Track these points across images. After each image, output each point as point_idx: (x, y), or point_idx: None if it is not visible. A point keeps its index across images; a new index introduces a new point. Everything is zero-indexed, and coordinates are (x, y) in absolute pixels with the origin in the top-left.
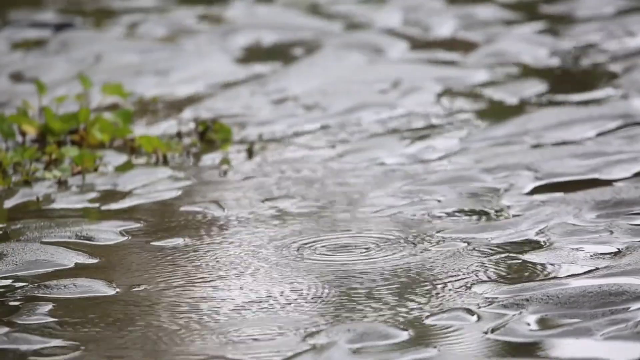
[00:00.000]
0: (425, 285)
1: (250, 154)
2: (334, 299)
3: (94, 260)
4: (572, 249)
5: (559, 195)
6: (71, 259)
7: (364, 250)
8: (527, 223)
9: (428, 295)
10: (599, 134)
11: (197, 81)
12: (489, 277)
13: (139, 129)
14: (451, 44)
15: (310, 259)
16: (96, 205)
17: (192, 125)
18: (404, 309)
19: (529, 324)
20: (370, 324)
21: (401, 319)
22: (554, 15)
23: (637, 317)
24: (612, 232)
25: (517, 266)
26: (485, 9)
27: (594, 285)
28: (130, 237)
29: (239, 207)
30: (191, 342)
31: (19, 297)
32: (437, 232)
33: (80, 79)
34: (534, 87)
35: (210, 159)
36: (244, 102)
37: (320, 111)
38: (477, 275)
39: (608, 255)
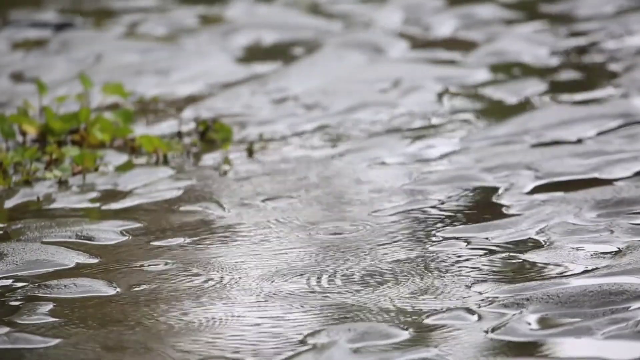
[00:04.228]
0: (426, 285)
1: (250, 153)
2: (334, 298)
3: (95, 260)
4: (573, 248)
5: (559, 194)
6: (72, 258)
7: (364, 250)
8: (527, 222)
9: (428, 295)
10: (600, 133)
11: (197, 81)
12: (489, 277)
13: (140, 129)
14: (451, 44)
15: (310, 259)
16: (97, 205)
17: (192, 125)
18: (404, 309)
19: (529, 324)
20: (371, 323)
21: (402, 319)
22: (554, 15)
23: (638, 316)
24: (612, 232)
25: (517, 265)
26: (486, 8)
27: (594, 284)
28: (130, 237)
29: (239, 206)
30: (191, 342)
31: (19, 297)
32: (437, 231)
33: (81, 79)
34: (534, 87)
35: (211, 158)
36: (244, 101)
37: (320, 111)
38: (477, 275)
39: (608, 255)
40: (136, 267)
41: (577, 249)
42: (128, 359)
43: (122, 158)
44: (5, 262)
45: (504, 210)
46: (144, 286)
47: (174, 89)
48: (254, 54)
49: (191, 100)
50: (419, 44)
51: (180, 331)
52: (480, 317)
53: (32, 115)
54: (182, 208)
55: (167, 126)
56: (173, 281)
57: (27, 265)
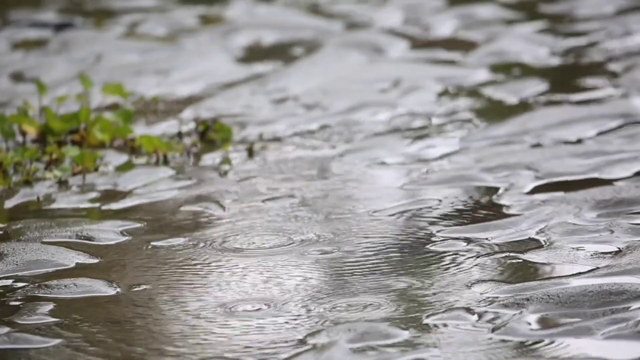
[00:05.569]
0: (426, 285)
1: (250, 153)
2: (334, 298)
3: (95, 260)
4: (573, 248)
5: (559, 194)
6: (72, 258)
7: (365, 250)
8: (527, 222)
9: (428, 295)
10: (600, 133)
11: (197, 81)
12: (489, 277)
13: (140, 129)
14: (451, 44)
15: (310, 260)
16: (97, 205)
17: (192, 125)
18: (404, 309)
19: (529, 323)
20: (371, 323)
21: (402, 319)
22: (554, 15)
23: (638, 316)
24: (612, 232)
25: (517, 265)
26: (486, 8)
27: (594, 284)
28: (130, 237)
29: (240, 207)
30: (191, 342)
31: (19, 297)
32: (437, 231)
33: (81, 79)
34: (535, 87)
35: (211, 158)
36: (244, 101)
37: (320, 111)
38: (477, 275)
39: (608, 255)
40: (136, 267)
41: (577, 249)
42: (128, 359)
43: (122, 158)
44: (5, 262)
45: (504, 210)
46: (144, 286)
47: (174, 89)
48: (254, 54)
49: (191, 100)
50: (419, 44)
51: (180, 331)
52: (480, 317)
53: (32, 115)
54: (182, 208)
55: (167, 126)
56: (173, 281)
57: (27, 265)
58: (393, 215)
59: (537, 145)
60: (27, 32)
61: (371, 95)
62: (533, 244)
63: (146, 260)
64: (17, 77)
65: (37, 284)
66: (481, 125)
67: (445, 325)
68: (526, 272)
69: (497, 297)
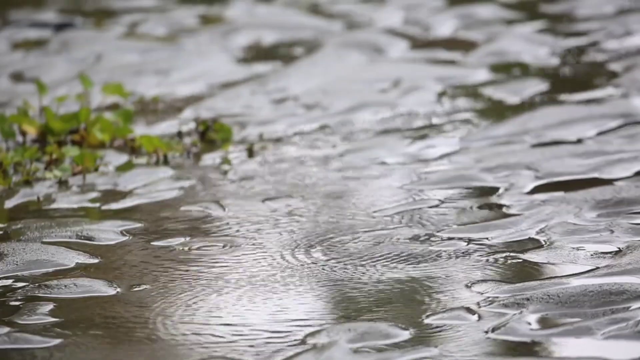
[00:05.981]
0: (426, 285)
1: (250, 153)
2: (334, 298)
3: (95, 260)
4: (573, 248)
5: (559, 194)
6: (72, 258)
7: (365, 250)
8: (527, 222)
9: (428, 295)
10: (600, 133)
11: (197, 81)
12: (489, 277)
13: (140, 129)
14: (451, 44)
15: (310, 259)
16: (97, 205)
17: (192, 125)
18: (404, 308)
19: (529, 323)
20: (371, 323)
21: (402, 319)
22: (555, 15)
23: (638, 316)
24: (612, 231)
25: (517, 265)
26: (486, 8)
27: (594, 284)
28: (130, 237)
29: (239, 207)
30: (191, 343)
31: (19, 297)
32: (437, 231)
33: (81, 79)
34: (535, 87)
35: (211, 158)
36: (244, 101)
37: (320, 110)
38: (477, 275)
39: (609, 255)
40: (136, 267)
41: (577, 249)
42: (128, 359)
43: (122, 158)
44: (5, 262)
45: (504, 210)
46: (144, 286)
47: (174, 89)
48: (254, 54)
49: (191, 100)
50: (419, 44)
51: (180, 331)
52: (480, 317)
53: (32, 115)
54: (182, 208)
55: (167, 126)
56: (173, 281)
57: (27, 265)
58: (393, 215)
59: (537, 145)
60: (27, 32)
61: (371, 95)
62: (533, 244)
63: (146, 260)
64: (17, 77)
65: (37, 284)
66: (481, 125)
67: (445, 325)
68: (526, 272)
69: (497, 297)
